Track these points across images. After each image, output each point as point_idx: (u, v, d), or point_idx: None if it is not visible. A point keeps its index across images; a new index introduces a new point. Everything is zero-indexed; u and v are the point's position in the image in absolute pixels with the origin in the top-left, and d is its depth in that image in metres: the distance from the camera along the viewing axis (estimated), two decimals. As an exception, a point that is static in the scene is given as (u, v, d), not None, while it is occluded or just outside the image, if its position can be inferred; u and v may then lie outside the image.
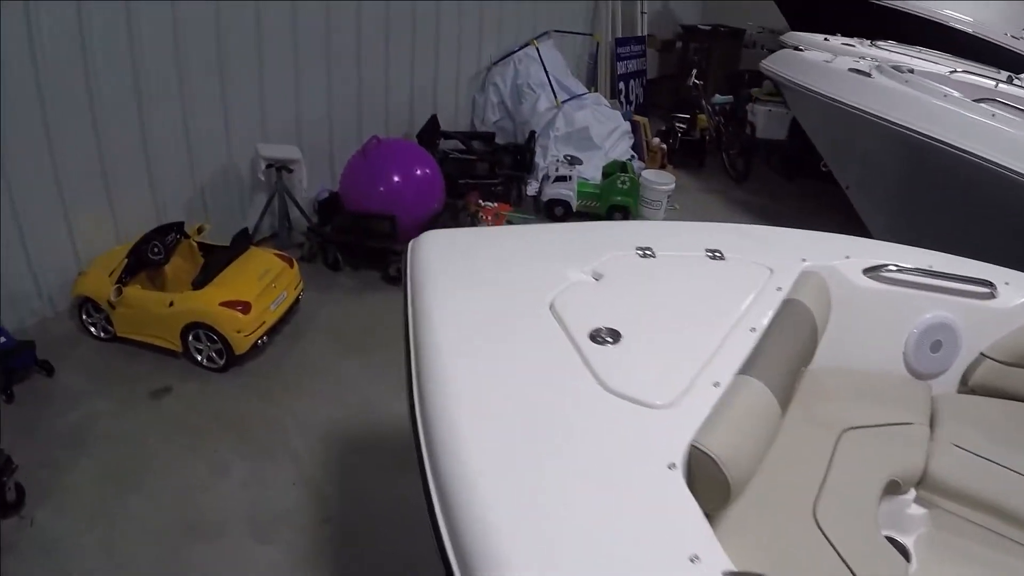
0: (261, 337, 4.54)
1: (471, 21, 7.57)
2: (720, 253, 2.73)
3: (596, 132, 7.83)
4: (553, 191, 7.16)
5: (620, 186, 7.18)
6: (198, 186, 5.45)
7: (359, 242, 5.65)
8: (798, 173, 9.36)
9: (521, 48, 7.96)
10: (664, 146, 8.72)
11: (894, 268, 2.87)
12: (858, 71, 5.92)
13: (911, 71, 6.13)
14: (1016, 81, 6.72)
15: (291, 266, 4.93)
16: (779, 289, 2.54)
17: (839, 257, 2.90)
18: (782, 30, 9.93)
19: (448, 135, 7.22)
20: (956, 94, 5.63)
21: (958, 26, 9.04)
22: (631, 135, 8.40)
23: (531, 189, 7.45)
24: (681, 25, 11.14)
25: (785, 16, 10.16)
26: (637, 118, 8.77)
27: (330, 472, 3.90)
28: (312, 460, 3.95)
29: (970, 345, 2.86)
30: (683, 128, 9.15)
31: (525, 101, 7.79)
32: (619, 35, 9.66)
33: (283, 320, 4.85)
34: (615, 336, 2.10)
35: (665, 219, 7.62)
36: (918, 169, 5.47)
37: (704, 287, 2.56)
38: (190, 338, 4.44)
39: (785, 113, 9.23)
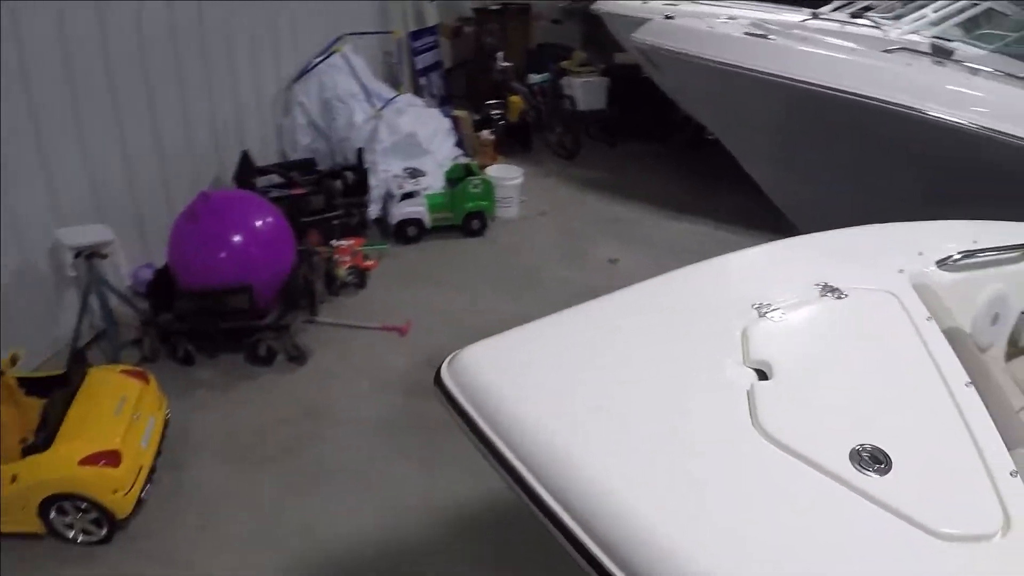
0: (144, 487, 3.43)
1: (265, 40, 6.47)
2: (830, 286, 2.40)
3: (423, 136, 7.05)
4: (403, 211, 6.34)
5: (474, 190, 6.47)
6: (-13, 301, 4.15)
7: (211, 325, 4.55)
8: (620, 139, 9.32)
9: (323, 58, 6.97)
10: (492, 137, 8.06)
11: (958, 256, 2.78)
12: (754, 34, 5.51)
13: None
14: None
15: (147, 382, 3.79)
16: (929, 319, 2.32)
17: (916, 256, 2.76)
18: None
19: (265, 170, 6.16)
20: (855, 46, 5.65)
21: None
22: (454, 132, 7.71)
23: (371, 212, 6.55)
24: (472, 8, 10.48)
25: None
26: (457, 112, 8.05)
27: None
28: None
29: (1015, 309, 2.92)
30: (500, 115, 8.55)
31: (338, 116, 6.82)
32: (412, 28, 8.85)
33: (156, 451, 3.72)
34: (881, 457, 1.68)
35: (522, 216, 7.08)
36: (837, 127, 5.19)
37: (868, 344, 2.26)
38: (53, 514, 3.25)
39: (601, 82, 9.00)
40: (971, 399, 1.96)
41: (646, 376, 1.94)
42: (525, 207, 7.21)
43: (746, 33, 5.56)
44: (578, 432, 1.72)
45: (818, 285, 2.39)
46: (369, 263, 5.65)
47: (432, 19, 9.32)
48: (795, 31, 5.96)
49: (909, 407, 1.96)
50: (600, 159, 8.92)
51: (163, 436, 3.76)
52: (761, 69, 5.21)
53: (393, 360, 4.77)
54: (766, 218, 6.61)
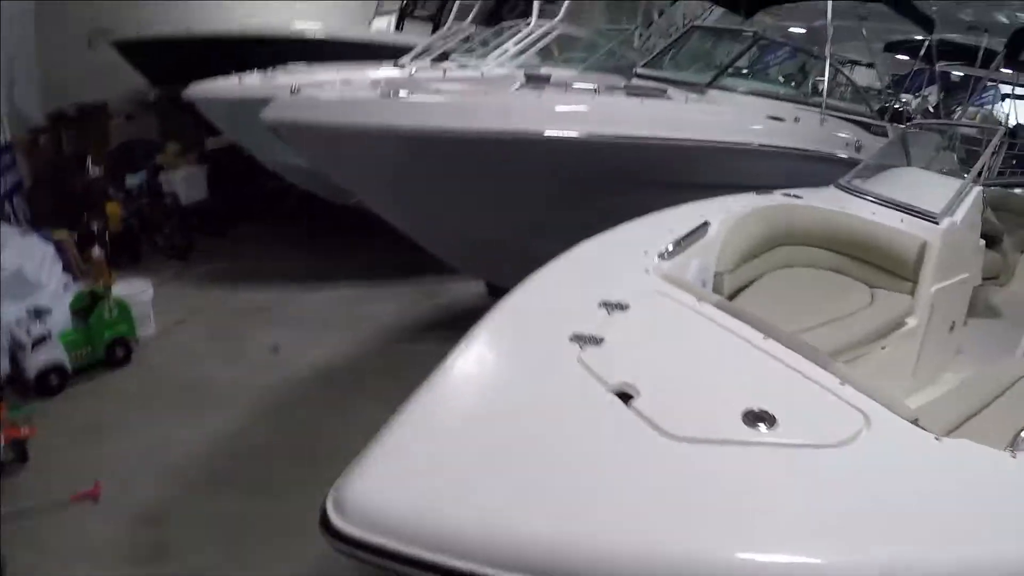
0: None
1: None
2: (610, 303, 2.69)
3: (30, 269, 6.40)
4: (39, 360, 5.66)
5: (109, 317, 6.04)
6: None
7: None
8: (231, 224, 9.28)
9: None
10: (102, 253, 7.48)
11: (670, 246, 3.38)
12: (388, 94, 5.57)
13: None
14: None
15: None
16: (700, 301, 2.79)
17: (644, 256, 3.24)
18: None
19: None
20: (486, 88, 6.14)
21: (316, 37, 9.55)
22: (59, 257, 7.07)
23: (1, 371, 5.80)
24: (47, 116, 9.56)
25: (146, 75, 9.58)
26: (57, 235, 7.36)
27: None
28: None
29: (711, 271, 3.74)
30: (101, 227, 7.97)
31: (-80, 269, 5.95)
32: (-16, 149, 7.88)
33: None
34: (763, 415, 2.07)
35: (162, 330, 6.71)
36: (489, 166, 5.42)
37: (679, 337, 2.63)
38: None
39: (200, 171, 8.79)
40: (776, 347, 2.46)
41: (546, 433, 1.98)
42: (161, 320, 6.83)
43: (381, 95, 5.58)
44: (549, 509, 1.72)
45: (601, 306, 2.66)
46: (25, 431, 5.01)
47: (4, 134, 8.36)
48: (420, 85, 6.18)
49: (748, 371, 2.38)
50: (219, 251, 8.72)
51: None
52: (411, 126, 5.29)
53: (99, 531, 4.31)
54: (401, 266, 6.99)
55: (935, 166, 5.68)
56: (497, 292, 6.37)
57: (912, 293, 4.28)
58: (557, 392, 2.18)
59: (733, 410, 2.08)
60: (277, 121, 5.72)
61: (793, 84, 7.62)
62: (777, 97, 6.82)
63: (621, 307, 2.65)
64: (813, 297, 4.13)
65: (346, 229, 7.65)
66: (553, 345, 2.39)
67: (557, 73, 7.96)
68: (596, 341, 2.39)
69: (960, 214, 4.40)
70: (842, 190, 4.94)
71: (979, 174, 4.64)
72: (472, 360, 2.42)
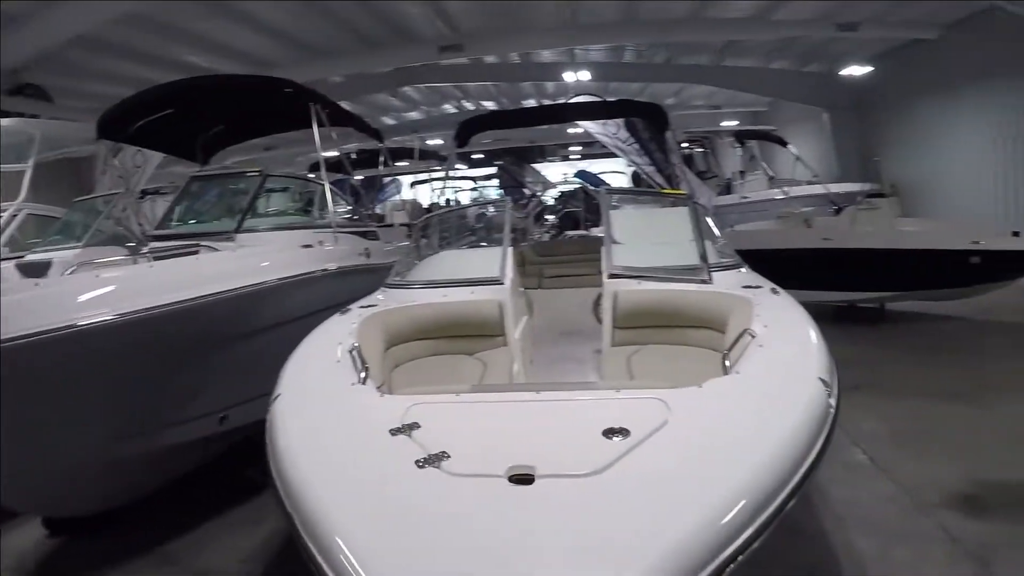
0: None
1: None
2: (399, 428, 2.67)
3: None
4: None
5: None
6: None
7: None
8: None
9: None
10: None
11: (362, 372, 3.45)
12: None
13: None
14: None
15: None
16: (459, 393, 3.10)
17: (355, 387, 3.31)
18: None
19: None
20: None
21: None
22: None
23: None
24: None
25: None
26: None
27: None
28: None
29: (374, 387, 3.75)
30: None
31: None
32: None
33: None
34: (623, 431, 2.39)
35: None
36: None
37: (508, 426, 2.79)
38: None
39: None
40: (552, 394, 2.91)
41: (502, 535, 1.99)
42: None
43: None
44: None
45: (394, 433, 2.61)
46: None
47: None
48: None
49: (564, 416, 2.77)
50: None
51: None
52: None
53: None
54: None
55: (456, 246, 6.73)
56: (57, 528, 5.41)
57: (506, 344, 4.93)
58: (464, 509, 2.13)
59: (598, 437, 2.34)
60: None
61: (305, 212, 8.12)
62: (298, 227, 7.21)
63: (412, 427, 2.60)
64: (441, 382, 4.16)
65: None
66: (411, 480, 2.28)
67: (58, 256, 7.17)
68: (443, 456, 2.32)
69: (509, 272, 5.22)
70: (397, 288, 5.38)
71: (512, 240, 5.62)
72: (358, 509, 2.20)
